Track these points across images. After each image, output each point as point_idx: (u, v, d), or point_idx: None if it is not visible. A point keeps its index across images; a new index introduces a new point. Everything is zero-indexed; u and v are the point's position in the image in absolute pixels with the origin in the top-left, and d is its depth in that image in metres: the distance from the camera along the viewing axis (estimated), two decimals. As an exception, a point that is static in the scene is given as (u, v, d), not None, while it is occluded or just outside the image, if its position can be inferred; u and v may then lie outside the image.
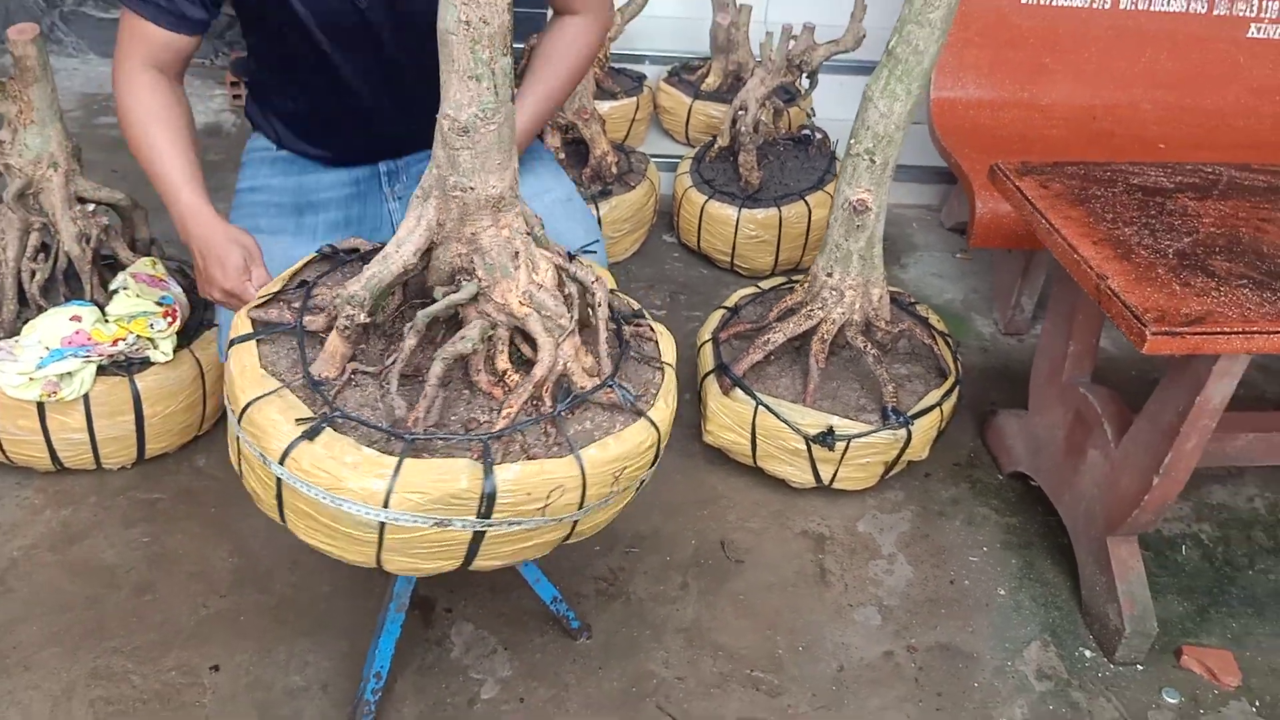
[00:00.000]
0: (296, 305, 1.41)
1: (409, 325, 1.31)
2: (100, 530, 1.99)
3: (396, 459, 1.22)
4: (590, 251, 1.52)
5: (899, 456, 2.11)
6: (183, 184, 1.56)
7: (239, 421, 1.30)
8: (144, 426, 2.03)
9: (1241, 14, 2.79)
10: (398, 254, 1.32)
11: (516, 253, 1.32)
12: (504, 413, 1.29)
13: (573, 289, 1.40)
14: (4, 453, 2.01)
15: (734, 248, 2.77)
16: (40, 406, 1.94)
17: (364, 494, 1.22)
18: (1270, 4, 2.79)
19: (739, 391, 2.09)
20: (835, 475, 2.12)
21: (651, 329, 1.54)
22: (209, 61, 3.60)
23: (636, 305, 1.58)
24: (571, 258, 1.43)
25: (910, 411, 2.07)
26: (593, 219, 1.88)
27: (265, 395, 1.28)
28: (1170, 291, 1.62)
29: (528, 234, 1.34)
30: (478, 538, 1.29)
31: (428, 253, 1.34)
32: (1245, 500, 2.30)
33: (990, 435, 2.35)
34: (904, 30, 1.84)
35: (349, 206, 1.83)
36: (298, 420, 1.25)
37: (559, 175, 1.86)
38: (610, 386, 1.36)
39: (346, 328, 1.31)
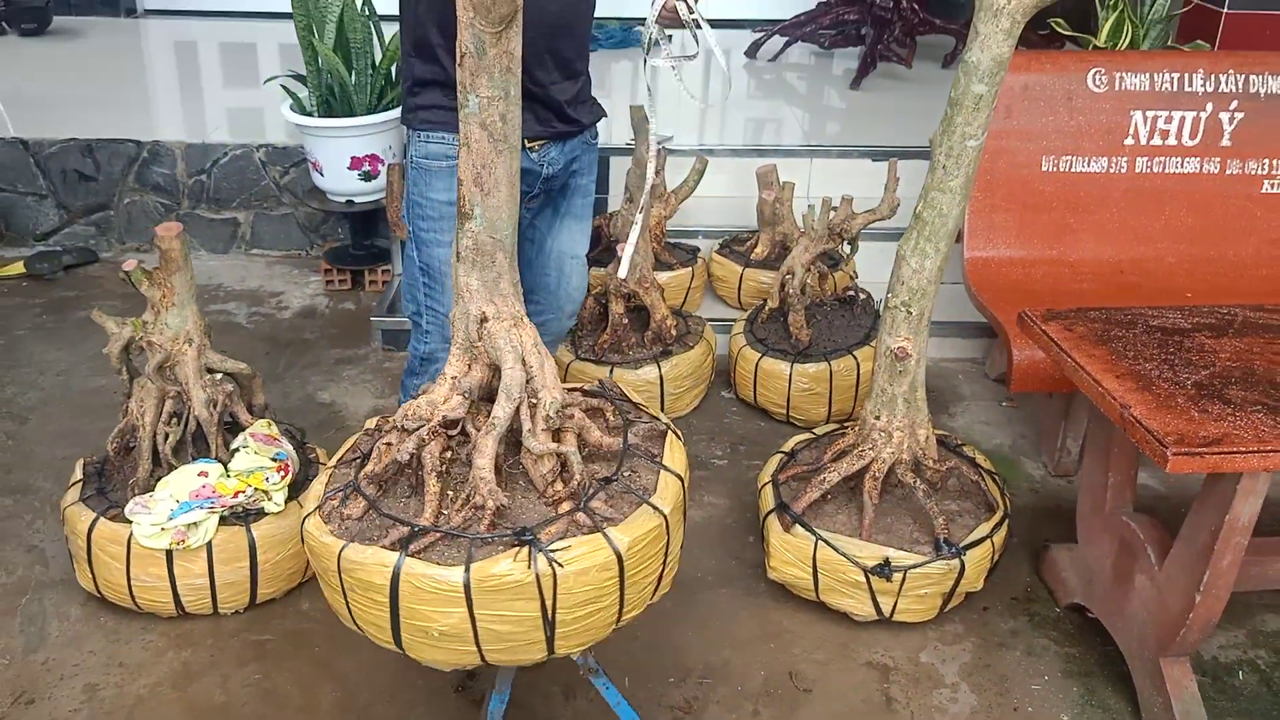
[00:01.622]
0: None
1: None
2: (216, 670, 2.17)
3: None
4: None
5: (955, 588, 2.23)
6: None
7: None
8: (257, 572, 2.24)
9: (1254, 172, 3.01)
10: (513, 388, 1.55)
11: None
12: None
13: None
14: (133, 599, 2.22)
15: (789, 401, 2.97)
16: (169, 554, 2.16)
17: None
18: None
19: (799, 528, 2.25)
20: (895, 607, 2.24)
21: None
22: (304, 252, 3.97)
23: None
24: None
25: (962, 543, 2.21)
26: (586, 281, 2.47)
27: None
28: (1189, 417, 1.78)
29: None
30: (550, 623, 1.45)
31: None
32: (1299, 627, 2.37)
33: (1045, 569, 2.46)
34: (929, 196, 2.08)
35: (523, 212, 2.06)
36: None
37: (585, 234, 2.39)
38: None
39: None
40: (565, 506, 1.54)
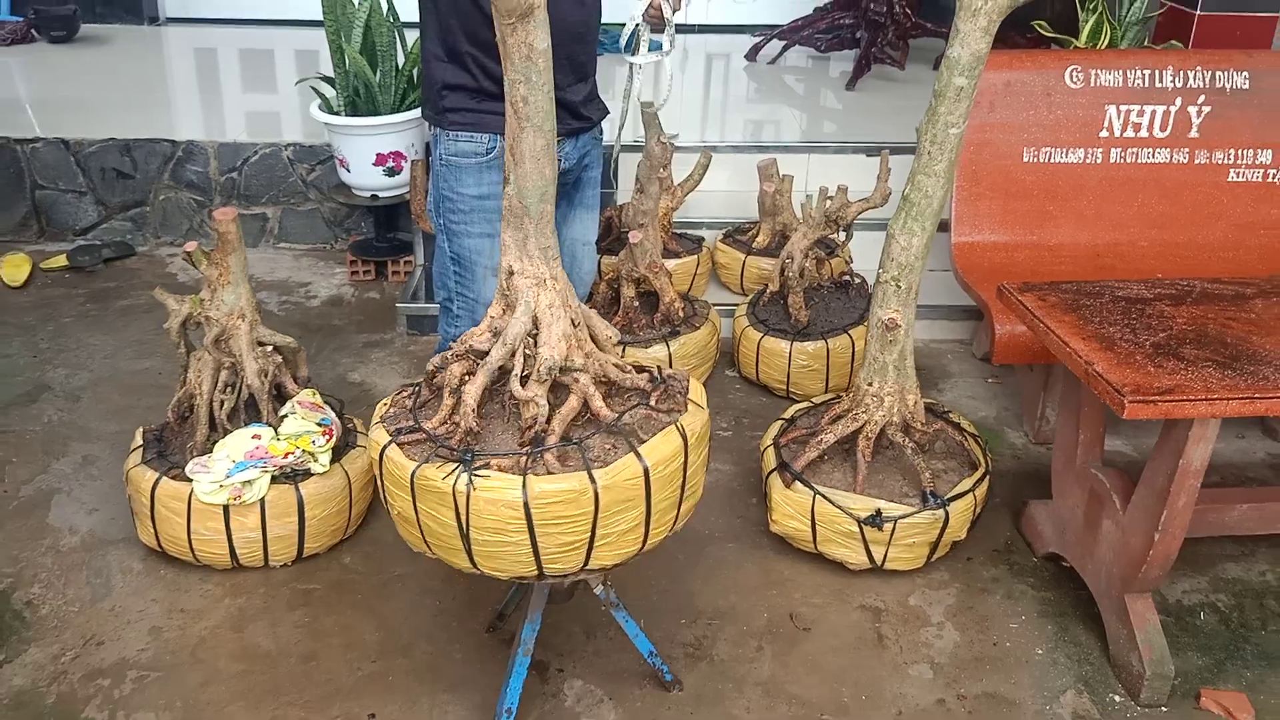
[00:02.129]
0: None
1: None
2: (269, 614, 2.38)
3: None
4: None
5: (940, 537, 2.45)
6: None
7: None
8: (305, 527, 2.45)
9: (1220, 162, 3.24)
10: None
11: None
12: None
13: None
14: (193, 552, 2.44)
15: (789, 377, 3.19)
16: (226, 510, 2.37)
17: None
18: (1245, 152, 3.23)
19: (799, 485, 2.47)
20: (886, 556, 2.45)
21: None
22: (329, 245, 4.20)
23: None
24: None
25: (946, 495, 2.42)
26: (596, 264, 2.70)
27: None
28: (1146, 372, 2.00)
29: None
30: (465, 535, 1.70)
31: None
32: (1258, 574, 2.59)
33: (1024, 524, 2.68)
34: (915, 180, 2.31)
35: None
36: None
37: (595, 221, 2.62)
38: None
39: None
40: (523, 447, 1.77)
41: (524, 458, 1.74)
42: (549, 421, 1.78)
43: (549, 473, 1.73)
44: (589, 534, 1.75)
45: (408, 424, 1.86)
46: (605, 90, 2.59)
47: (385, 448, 1.82)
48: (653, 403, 1.85)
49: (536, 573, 1.79)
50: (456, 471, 1.72)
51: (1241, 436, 3.15)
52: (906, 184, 2.33)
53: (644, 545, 1.84)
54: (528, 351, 1.81)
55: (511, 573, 1.80)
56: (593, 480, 1.72)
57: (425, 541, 1.83)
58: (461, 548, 1.77)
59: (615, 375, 1.87)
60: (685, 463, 1.82)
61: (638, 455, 1.76)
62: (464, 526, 1.73)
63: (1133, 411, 1.91)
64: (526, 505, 1.70)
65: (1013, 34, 4.47)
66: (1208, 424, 2.00)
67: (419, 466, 1.75)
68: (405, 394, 1.96)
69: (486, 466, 1.73)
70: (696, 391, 1.93)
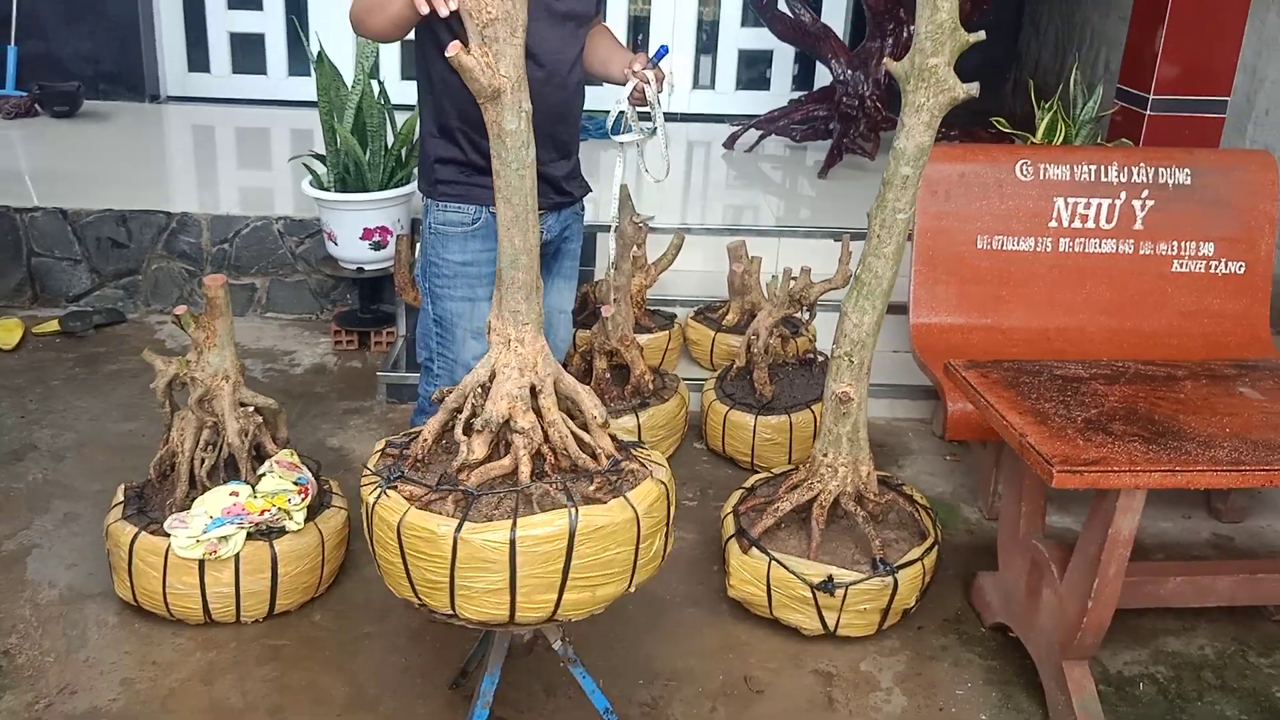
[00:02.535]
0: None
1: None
2: (239, 668, 2.45)
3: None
4: None
5: (890, 604, 2.54)
6: None
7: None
8: (277, 583, 2.53)
9: (1164, 253, 3.41)
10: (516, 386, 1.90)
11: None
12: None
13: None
14: (167, 606, 2.51)
15: (753, 449, 3.30)
16: (201, 564, 2.46)
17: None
18: (1187, 244, 3.41)
19: (755, 550, 2.57)
20: (839, 621, 2.55)
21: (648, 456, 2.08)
22: (315, 316, 4.33)
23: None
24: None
25: (896, 563, 2.53)
26: (571, 333, 2.87)
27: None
28: (1075, 444, 2.13)
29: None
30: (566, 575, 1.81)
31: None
32: (1197, 648, 2.68)
33: (973, 595, 2.78)
34: (866, 261, 2.46)
35: None
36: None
37: (572, 291, 2.77)
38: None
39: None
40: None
41: (428, 491, 1.89)
42: (468, 469, 1.90)
43: (427, 509, 1.86)
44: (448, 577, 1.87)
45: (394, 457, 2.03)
46: (594, 172, 2.77)
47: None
48: (591, 488, 1.92)
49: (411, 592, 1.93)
50: (377, 487, 1.92)
51: (1188, 517, 3.26)
52: (858, 265, 2.48)
53: (512, 615, 1.87)
54: (474, 401, 1.94)
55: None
56: (457, 530, 1.82)
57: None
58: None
59: (573, 451, 1.97)
60: (569, 548, 1.84)
61: (513, 526, 1.83)
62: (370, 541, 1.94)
63: (1060, 481, 2.03)
64: (396, 528, 1.87)
65: (977, 129, 4.70)
66: (1134, 495, 2.12)
67: (373, 491, 1.93)
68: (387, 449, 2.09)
69: (395, 488, 1.90)
70: (641, 492, 1.94)
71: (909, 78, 2.28)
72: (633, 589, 1.98)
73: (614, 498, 1.89)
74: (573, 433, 1.98)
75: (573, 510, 1.83)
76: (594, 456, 1.98)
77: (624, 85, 2.51)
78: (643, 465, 2.00)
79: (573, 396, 2.01)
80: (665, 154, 2.55)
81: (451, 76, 2.44)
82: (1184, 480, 2.08)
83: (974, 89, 2.27)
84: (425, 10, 2.04)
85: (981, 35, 2.24)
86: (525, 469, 1.90)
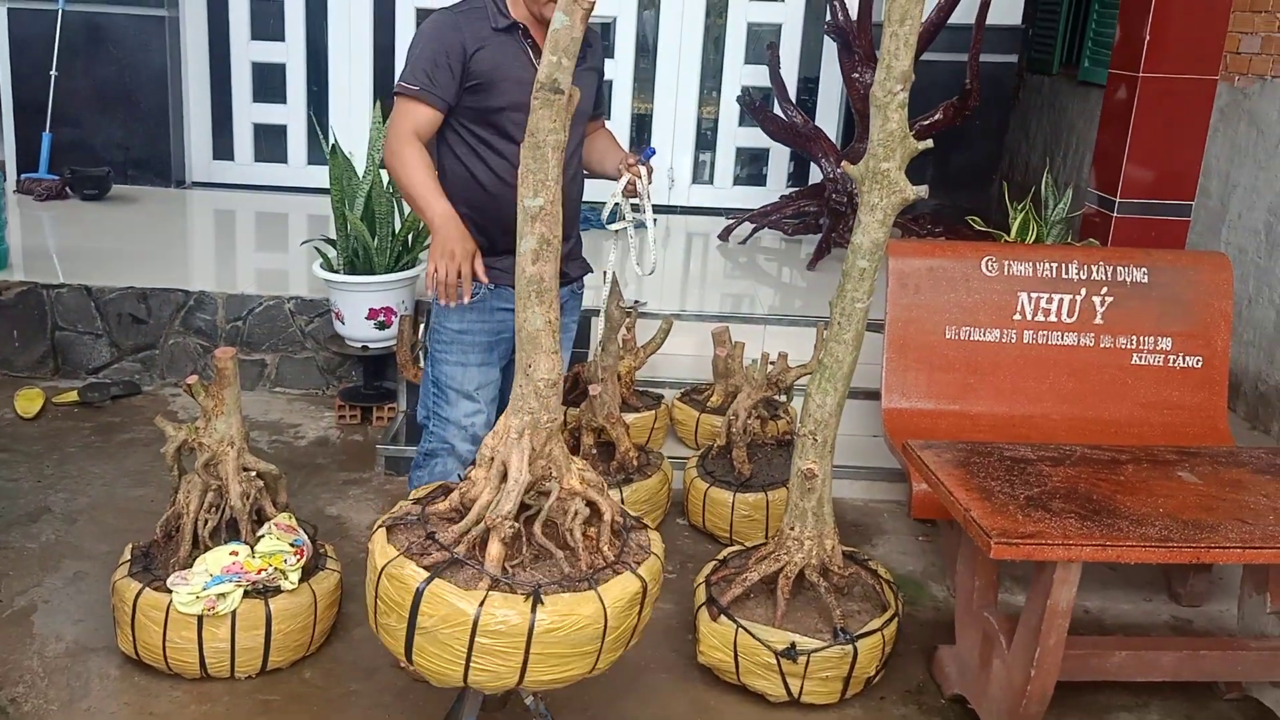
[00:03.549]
0: (418, 518, 2.16)
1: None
2: (231, 719, 2.59)
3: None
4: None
5: (851, 673, 2.67)
6: (436, 199, 2.58)
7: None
8: (271, 640, 2.68)
9: (1124, 346, 3.59)
10: (518, 483, 2.07)
11: (568, 455, 2.09)
12: (600, 553, 2.09)
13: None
14: (166, 660, 2.66)
15: (731, 525, 3.46)
16: (200, 620, 2.61)
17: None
18: (1146, 339, 3.59)
19: (724, 618, 2.71)
20: (802, 689, 2.67)
21: (647, 531, 2.24)
22: (321, 391, 4.53)
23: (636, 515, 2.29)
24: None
25: (856, 632, 2.66)
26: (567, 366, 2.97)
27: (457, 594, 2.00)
28: (1015, 519, 2.29)
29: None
30: (528, 654, 1.94)
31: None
32: (1149, 724, 2.80)
33: (934, 666, 2.90)
34: (828, 346, 2.65)
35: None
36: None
37: (565, 365, 2.90)
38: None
39: (506, 538, 2.05)
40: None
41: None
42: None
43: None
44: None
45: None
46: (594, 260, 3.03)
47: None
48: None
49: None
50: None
51: (1148, 600, 3.39)
52: (820, 350, 2.67)
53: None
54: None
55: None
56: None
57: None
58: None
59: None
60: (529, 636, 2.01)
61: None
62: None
63: (998, 552, 2.19)
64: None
65: (959, 227, 4.94)
66: (1070, 568, 2.27)
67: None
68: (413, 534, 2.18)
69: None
70: (613, 588, 2.09)
71: (864, 180, 2.49)
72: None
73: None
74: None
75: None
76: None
77: (617, 180, 2.76)
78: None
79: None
80: (651, 249, 2.78)
81: (460, 170, 2.70)
82: (1114, 555, 2.24)
83: (923, 191, 2.48)
84: (438, 297, 2.60)
85: (929, 144, 2.46)
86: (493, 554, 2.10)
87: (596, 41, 2.81)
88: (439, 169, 2.76)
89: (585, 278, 3.00)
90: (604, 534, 2.12)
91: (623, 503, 3.40)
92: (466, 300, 2.56)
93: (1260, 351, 4.60)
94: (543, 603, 1.98)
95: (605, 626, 2.04)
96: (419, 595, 1.99)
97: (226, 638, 2.65)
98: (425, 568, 2.03)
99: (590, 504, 2.16)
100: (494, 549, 2.05)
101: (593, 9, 1.96)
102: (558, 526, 2.14)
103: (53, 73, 5.97)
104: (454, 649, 2.01)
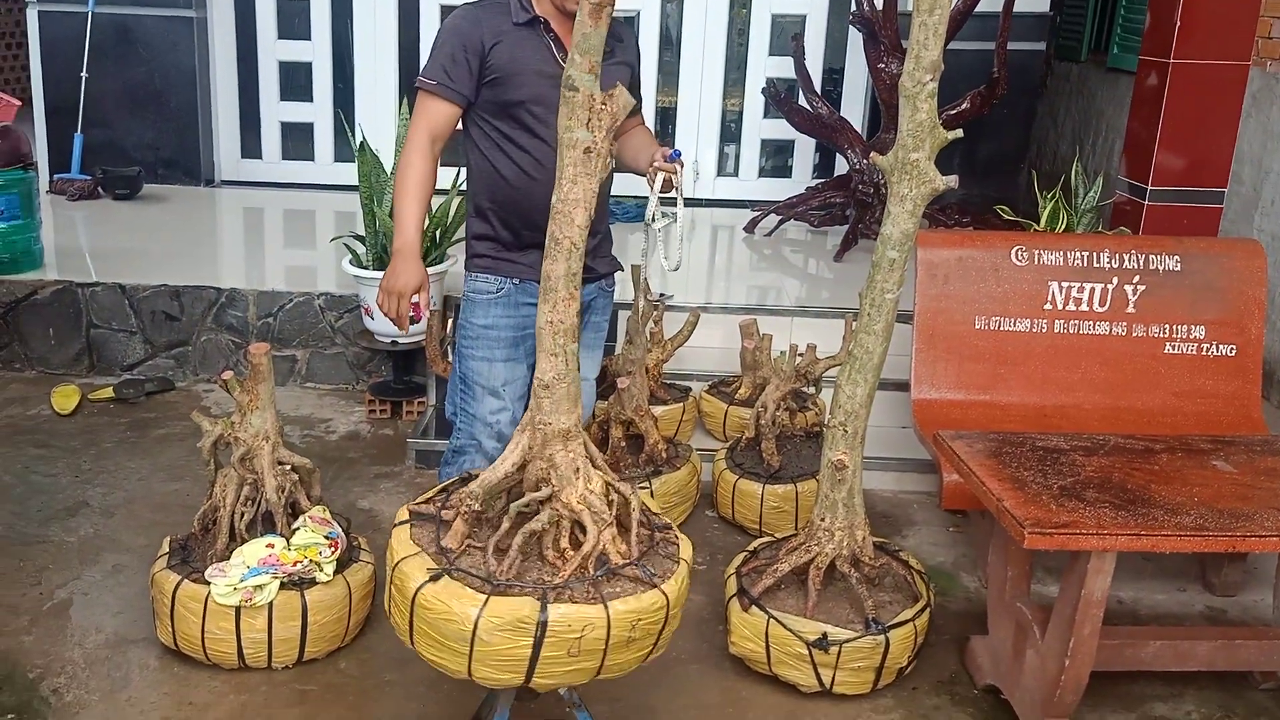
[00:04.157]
0: (439, 503, 2.16)
1: (505, 514, 2.04)
2: (268, 710, 2.63)
3: (485, 596, 1.92)
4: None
5: (884, 663, 2.67)
6: (407, 225, 2.66)
7: (391, 572, 2.01)
8: (307, 631, 2.72)
9: (1156, 335, 3.57)
10: (502, 466, 2.08)
11: (577, 469, 2.07)
12: (561, 574, 1.99)
13: (615, 497, 2.13)
14: (204, 651, 2.70)
15: (761, 517, 3.46)
16: (237, 611, 2.65)
17: (462, 617, 1.91)
18: (1179, 328, 3.57)
19: (755, 609, 2.72)
20: (834, 679, 2.68)
21: (676, 536, 2.23)
22: (351, 386, 4.57)
23: (667, 520, 2.28)
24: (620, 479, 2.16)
25: (888, 623, 2.66)
26: (594, 399, 3.12)
27: (409, 556, 2.01)
28: (1049, 509, 2.29)
29: (586, 456, 2.09)
30: (536, 657, 1.93)
31: (523, 467, 2.10)
32: (1184, 714, 2.77)
33: (966, 658, 2.90)
34: (858, 337, 2.65)
35: None
36: (427, 569, 1.97)
37: (596, 361, 3.02)
38: (636, 566, 2.04)
39: (465, 513, 2.04)
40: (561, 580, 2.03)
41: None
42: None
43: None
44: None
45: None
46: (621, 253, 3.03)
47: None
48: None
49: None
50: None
51: (1183, 590, 3.37)
52: (850, 341, 2.67)
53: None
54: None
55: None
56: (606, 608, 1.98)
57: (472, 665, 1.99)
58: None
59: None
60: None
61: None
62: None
63: (1031, 542, 2.18)
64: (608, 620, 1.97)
65: (989, 216, 4.91)
66: (1104, 558, 2.26)
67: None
68: (422, 531, 2.14)
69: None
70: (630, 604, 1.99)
71: (893, 170, 2.49)
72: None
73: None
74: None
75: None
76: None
77: (645, 176, 2.75)
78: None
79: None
80: (679, 246, 2.78)
81: (484, 164, 2.71)
82: (1149, 544, 2.23)
83: (953, 180, 2.47)
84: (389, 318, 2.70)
85: (959, 133, 2.46)
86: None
87: (628, 36, 2.81)
88: (466, 165, 2.77)
89: (616, 275, 2.99)
90: (575, 561, 2.02)
91: (651, 495, 3.41)
92: (404, 331, 2.73)
93: (1294, 340, 4.55)
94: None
95: (540, 640, 1.95)
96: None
97: (264, 628, 2.68)
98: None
99: (578, 526, 2.07)
100: (457, 526, 2.05)
101: (613, 5, 1.95)
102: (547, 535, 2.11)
103: (83, 74, 6.03)
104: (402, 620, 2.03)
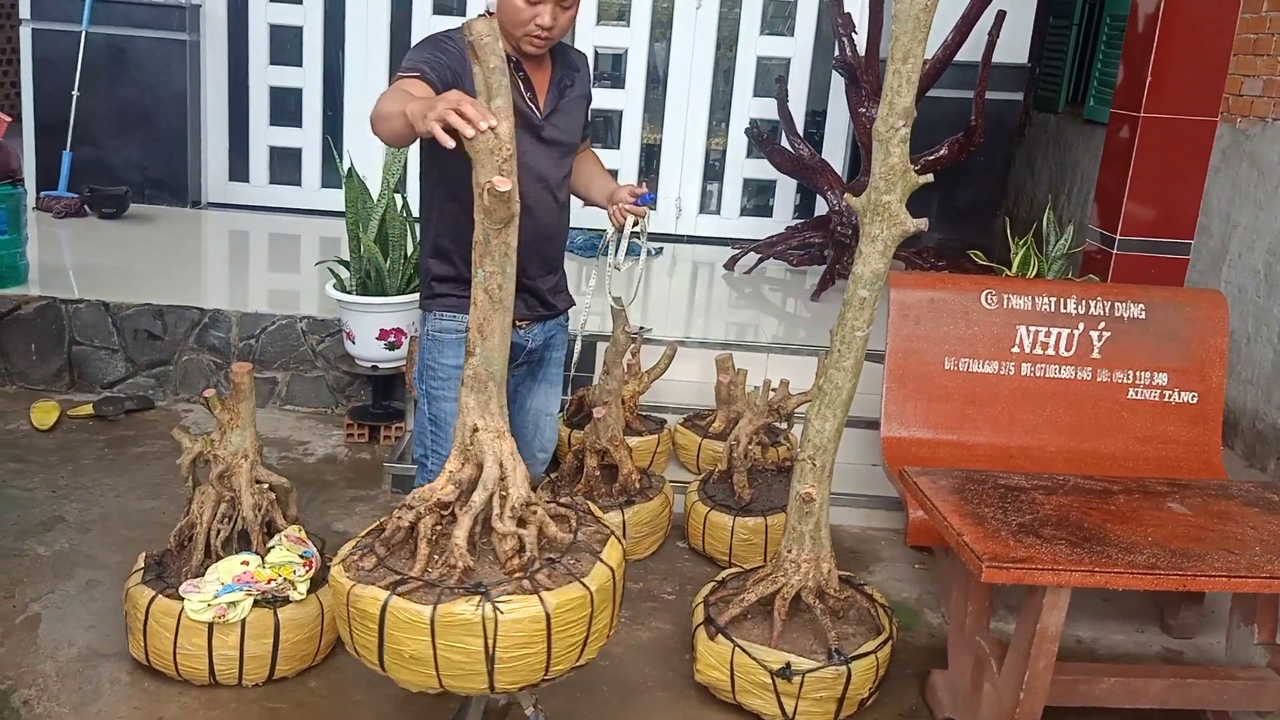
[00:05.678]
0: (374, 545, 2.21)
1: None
2: (237, 726, 2.65)
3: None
4: None
5: (845, 693, 2.72)
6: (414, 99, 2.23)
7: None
8: (278, 649, 2.74)
9: (1120, 381, 3.66)
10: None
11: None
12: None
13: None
14: (176, 666, 2.72)
15: (731, 549, 3.52)
16: (210, 627, 2.68)
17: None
18: (1142, 374, 3.66)
19: (721, 637, 2.77)
20: (796, 708, 2.72)
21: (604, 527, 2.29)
22: (330, 410, 4.61)
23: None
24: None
25: (850, 654, 2.72)
26: (556, 434, 3.02)
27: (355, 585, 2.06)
28: (1007, 545, 2.35)
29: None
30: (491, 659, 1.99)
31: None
32: (1140, 751, 2.84)
33: (927, 690, 2.95)
34: (828, 373, 2.72)
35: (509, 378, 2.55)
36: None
37: (557, 396, 2.95)
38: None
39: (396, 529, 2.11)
40: (516, 574, 2.09)
41: (525, 579, 2.06)
42: (526, 549, 2.12)
43: (547, 589, 2.05)
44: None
45: (397, 576, 2.08)
46: (575, 288, 3.07)
47: (387, 601, 2.01)
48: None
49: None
50: (480, 602, 1.99)
51: (1141, 631, 3.43)
52: (820, 377, 2.75)
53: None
54: (501, 493, 2.15)
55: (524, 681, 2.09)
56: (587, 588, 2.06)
57: (440, 678, 2.04)
58: (486, 670, 2.02)
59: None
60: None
61: (582, 584, 2.09)
62: (490, 650, 2.00)
63: (989, 575, 2.25)
64: (548, 619, 2.03)
65: (963, 261, 5.01)
66: (1060, 593, 2.33)
67: (438, 605, 1.99)
68: (359, 555, 2.17)
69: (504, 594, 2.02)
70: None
71: (865, 211, 2.58)
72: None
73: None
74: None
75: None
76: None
77: (602, 208, 2.81)
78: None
79: None
80: (636, 282, 2.86)
81: (449, 205, 2.71)
82: (1103, 580, 2.30)
83: (923, 223, 2.56)
84: (425, 133, 2.15)
85: (929, 178, 2.54)
86: (553, 530, 2.19)
87: (584, 66, 2.83)
88: (427, 213, 2.74)
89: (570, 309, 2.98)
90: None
91: (624, 524, 3.46)
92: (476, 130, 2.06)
93: (1258, 389, 4.67)
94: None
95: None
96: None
97: (236, 645, 2.71)
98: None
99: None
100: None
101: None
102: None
103: (74, 93, 6.09)
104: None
